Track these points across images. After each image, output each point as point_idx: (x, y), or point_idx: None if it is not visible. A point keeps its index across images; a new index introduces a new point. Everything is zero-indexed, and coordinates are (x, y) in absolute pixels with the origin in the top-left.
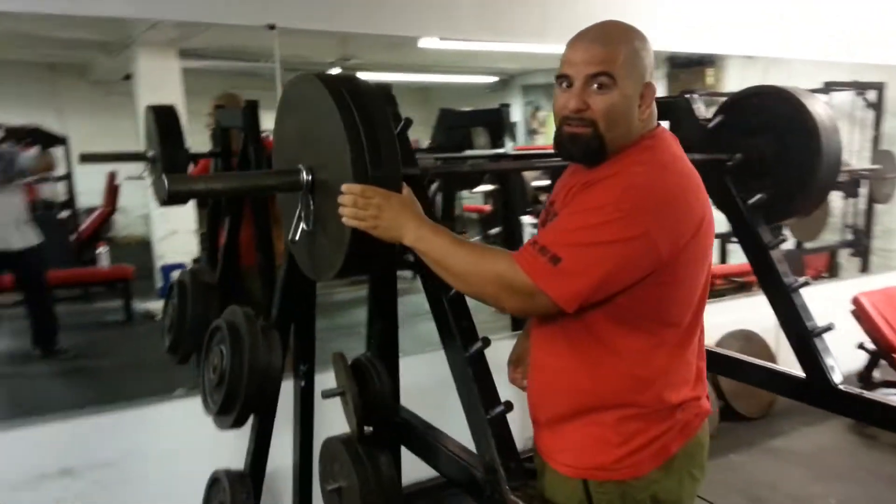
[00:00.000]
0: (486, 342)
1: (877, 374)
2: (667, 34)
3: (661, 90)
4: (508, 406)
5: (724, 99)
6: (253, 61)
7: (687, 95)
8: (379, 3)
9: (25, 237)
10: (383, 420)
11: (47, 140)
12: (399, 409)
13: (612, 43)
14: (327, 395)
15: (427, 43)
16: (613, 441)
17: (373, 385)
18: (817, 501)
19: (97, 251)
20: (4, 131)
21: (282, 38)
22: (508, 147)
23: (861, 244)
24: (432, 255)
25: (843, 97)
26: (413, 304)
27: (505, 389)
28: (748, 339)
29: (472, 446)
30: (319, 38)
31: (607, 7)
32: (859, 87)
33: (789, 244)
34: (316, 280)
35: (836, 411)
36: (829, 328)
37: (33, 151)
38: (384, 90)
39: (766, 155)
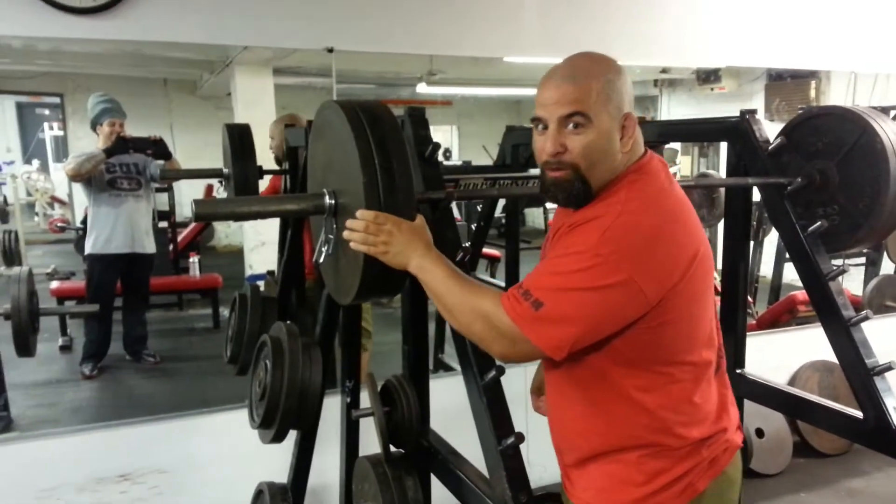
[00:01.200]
0: (501, 371)
1: None
2: (764, 49)
3: (758, 103)
4: (520, 437)
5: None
6: (339, 79)
7: (748, 116)
8: (436, 23)
9: (153, 243)
10: (411, 443)
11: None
12: (428, 432)
13: (582, 79)
14: (358, 415)
15: (512, 58)
16: (637, 480)
17: (400, 407)
18: None
19: (190, 260)
20: (127, 141)
21: (368, 57)
22: None
23: None
24: (430, 286)
25: None
26: None
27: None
28: (828, 371)
29: None
30: (406, 55)
31: (675, 23)
32: None
33: (889, 268)
34: (341, 302)
35: (893, 454)
36: (890, 367)
37: (160, 160)
38: (417, 113)
39: (829, 179)
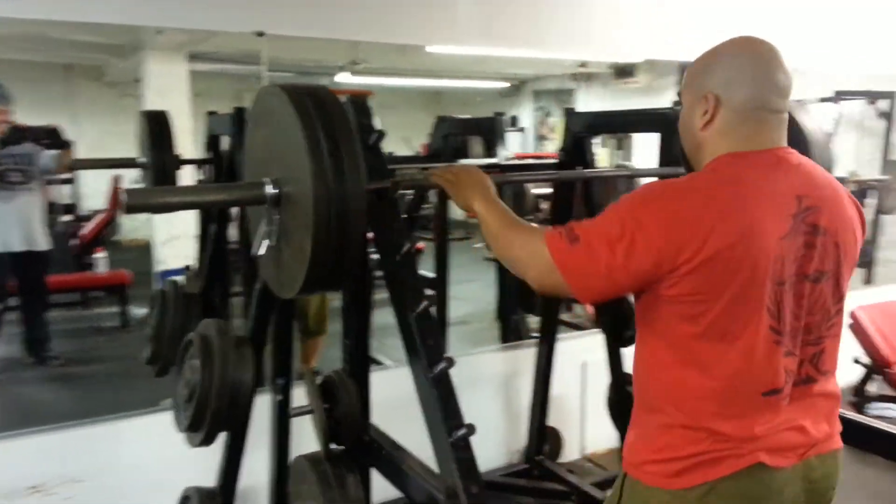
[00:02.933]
0: (451, 362)
1: (871, 389)
2: (681, 45)
3: (670, 96)
4: (471, 429)
5: None
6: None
7: (678, 107)
8: (368, 9)
9: (46, 239)
10: (352, 439)
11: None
12: (369, 427)
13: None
14: (296, 413)
15: (436, 48)
16: (652, 444)
17: (342, 403)
18: None
19: (95, 256)
20: (20, 130)
21: (290, 43)
22: (501, 156)
23: (867, 255)
24: (489, 221)
25: (854, 106)
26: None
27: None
28: None
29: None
30: (329, 42)
31: (608, 17)
32: (871, 97)
33: None
34: (282, 296)
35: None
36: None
37: (53, 151)
38: (359, 101)
39: None
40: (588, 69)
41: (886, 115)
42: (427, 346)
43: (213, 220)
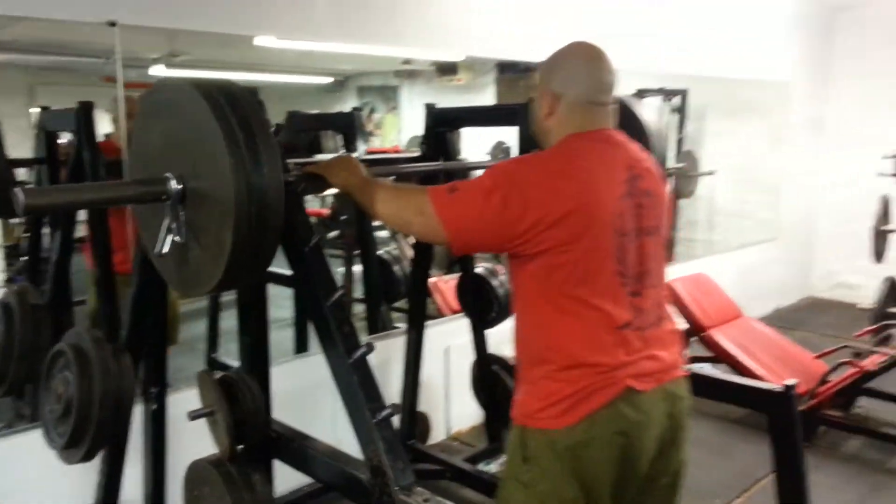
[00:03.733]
0: (370, 347)
1: (687, 352)
2: (497, 43)
3: (489, 96)
4: (395, 409)
5: None
6: (75, 55)
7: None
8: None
9: None
10: (256, 436)
11: None
12: (270, 422)
13: None
14: (196, 416)
15: (264, 41)
16: (539, 394)
17: (245, 402)
18: None
19: None
20: None
21: (96, 30)
22: (360, 151)
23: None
24: (371, 198)
25: (653, 102)
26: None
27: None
28: None
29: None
30: (144, 33)
31: (441, 13)
32: (666, 94)
33: None
34: (187, 295)
35: None
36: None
37: None
38: (254, 96)
39: None
40: (412, 66)
41: (679, 111)
42: (344, 334)
43: (58, 226)
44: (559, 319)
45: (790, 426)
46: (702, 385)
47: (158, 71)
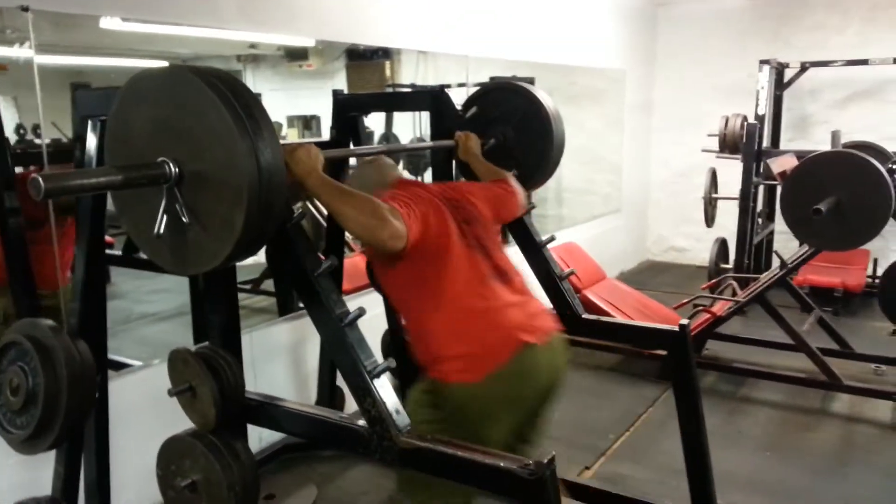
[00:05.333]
0: (362, 311)
1: None
2: (349, 27)
3: (340, 82)
4: (391, 363)
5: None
6: None
7: (445, 89)
8: None
9: None
10: (236, 406)
11: None
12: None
13: None
14: (176, 392)
15: (111, 23)
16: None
17: (224, 374)
18: None
19: None
20: None
21: None
22: None
23: None
24: (328, 197)
25: None
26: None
27: (279, 369)
28: None
29: None
30: None
31: None
32: (518, 80)
33: None
34: (184, 274)
35: (585, 336)
36: (572, 272)
37: None
38: None
39: (509, 140)
40: (258, 51)
41: None
42: (334, 301)
43: None
44: (441, 308)
45: (687, 358)
46: (609, 330)
47: None
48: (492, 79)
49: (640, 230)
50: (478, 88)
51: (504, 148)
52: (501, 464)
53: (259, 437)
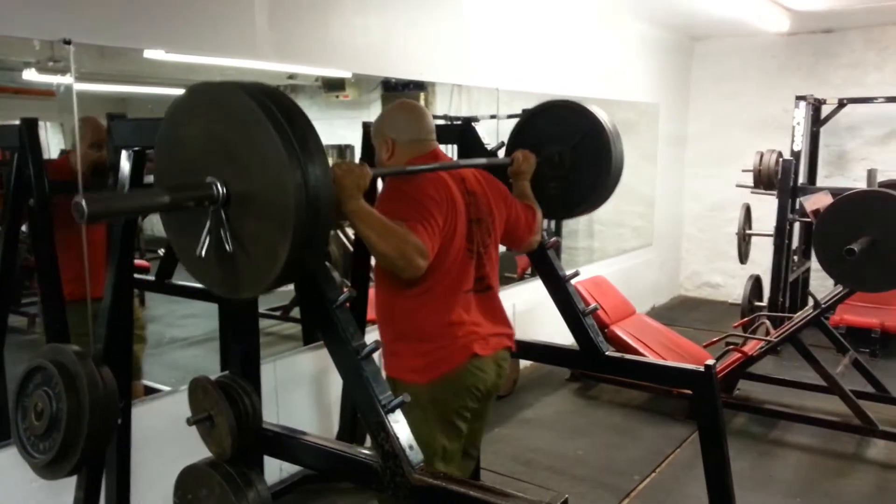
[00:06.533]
0: (378, 344)
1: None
2: (385, 61)
3: (375, 112)
4: (406, 397)
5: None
6: None
7: (472, 122)
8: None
9: None
10: (253, 435)
11: None
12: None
13: None
14: (195, 421)
15: (153, 54)
16: (407, 362)
17: (242, 403)
18: (570, 454)
19: None
20: None
21: None
22: None
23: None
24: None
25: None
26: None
27: (302, 399)
28: None
29: None
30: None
31: (327, 31)
32: None
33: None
34: (231, 297)
35: (608, 373)
36: (595, 308)
37: None
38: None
39: (565, 161)
40: (296, 81)
41: None
42: (351, 334)
43: None
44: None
45: (713, 399)
46: (632, 368)
47: (31, 76)
48: (524, 111)
49: (672, 264)
50: (537, 104)
51: (558, 167)
52: None
53: (279, 468)
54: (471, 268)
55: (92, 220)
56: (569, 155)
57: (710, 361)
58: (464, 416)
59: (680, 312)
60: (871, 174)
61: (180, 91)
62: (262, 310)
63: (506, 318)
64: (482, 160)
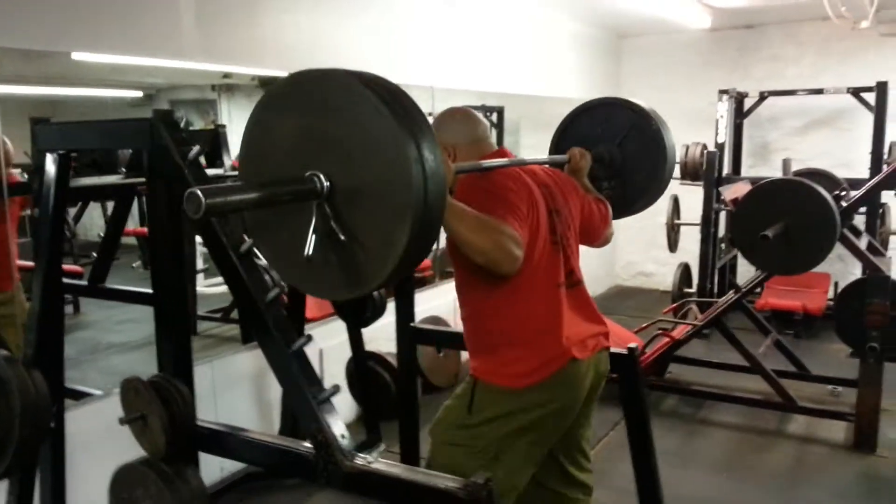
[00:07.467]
0: (309, 338)
1: None
2: (313, 59)
3: None
4: (337, 389)
5: None
6: None
7: None
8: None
9: None
10: (187, 434)
11: None
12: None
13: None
14: (127, 421)
15: (81, 56)
16: (500, 362)
17: (175, 402)
18: None
19: None
20: None
21: None
22: (227, 165)
23: None
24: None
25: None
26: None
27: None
28: (437, 322)
29: None
30: None
31: (256, 30)
32: (486, 110)
33: None
34: (355, 294)
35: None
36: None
37: None
38: (170, 117)
39: (615, 159)
40: (232, 80)
41: (498, 125)
42: (281, 328)
43: None
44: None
45: (636, 381)
46: None
47: None
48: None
49: (609, 255)
50: (577, 106)
51: (609, 166)
52: (441, 484)
53: (220, 467)
54: (559, 261)
55: (208, 215)
56: (617, 152)
57: (633, 345)
58: (549, 436)
59: (616, 301)
60: (785, 164)
61: (111, 92)
62: (201, 312)
63: (599, 314)
64: (543, 157)
